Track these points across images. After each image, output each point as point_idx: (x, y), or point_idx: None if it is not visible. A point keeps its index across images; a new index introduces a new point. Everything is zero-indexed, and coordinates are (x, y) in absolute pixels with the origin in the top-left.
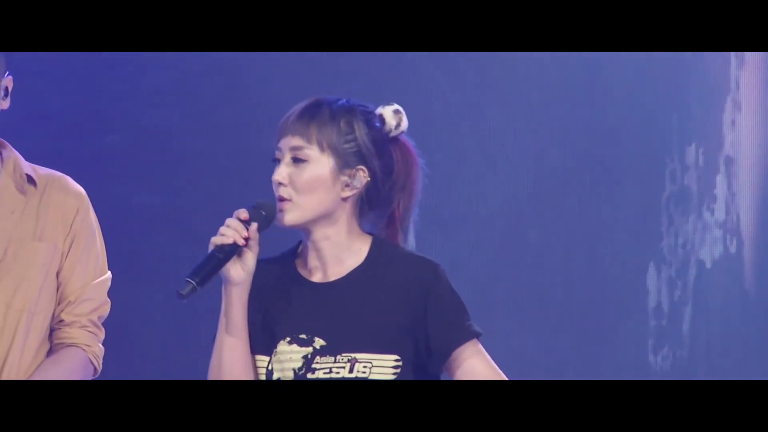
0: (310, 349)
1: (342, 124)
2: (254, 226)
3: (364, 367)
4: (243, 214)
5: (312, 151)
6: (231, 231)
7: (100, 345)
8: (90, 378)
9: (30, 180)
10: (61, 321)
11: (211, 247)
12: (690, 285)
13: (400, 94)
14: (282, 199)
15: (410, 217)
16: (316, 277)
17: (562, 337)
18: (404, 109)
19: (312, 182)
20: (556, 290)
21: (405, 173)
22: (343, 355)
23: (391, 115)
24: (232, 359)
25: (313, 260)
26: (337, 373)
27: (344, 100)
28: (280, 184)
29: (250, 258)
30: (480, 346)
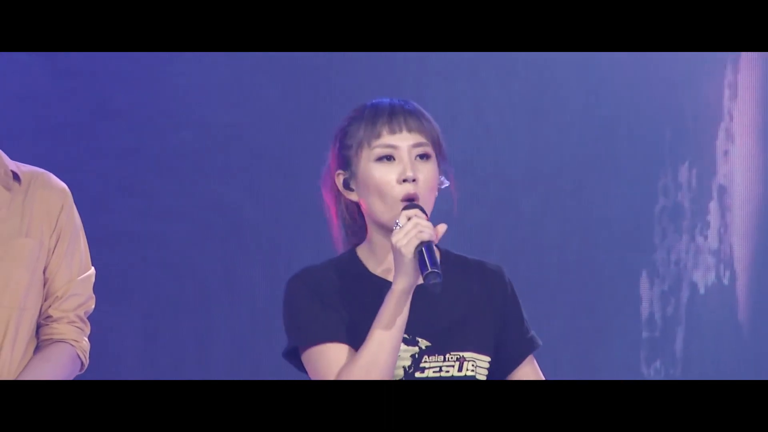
0: (416, 348)
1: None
2: (444, 226)
3: (473, 365)
4: (423, 216)
5: (430, 149)
6: (428, 229)
7: (87, 340)
8: (78, 373)
9: (15, 177)
10: (49, 317)
11: (414, 242)
12: (683, 305)
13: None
14: (416, 198)
15: None
16: None
17: (555, 330)
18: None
19: (434, 180)
20: (549, 271)
21: None
22: (451, 354)
23: None
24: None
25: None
26: (447, 371)
27: None
28: (414, 181)
29: None
30: (533, 357)
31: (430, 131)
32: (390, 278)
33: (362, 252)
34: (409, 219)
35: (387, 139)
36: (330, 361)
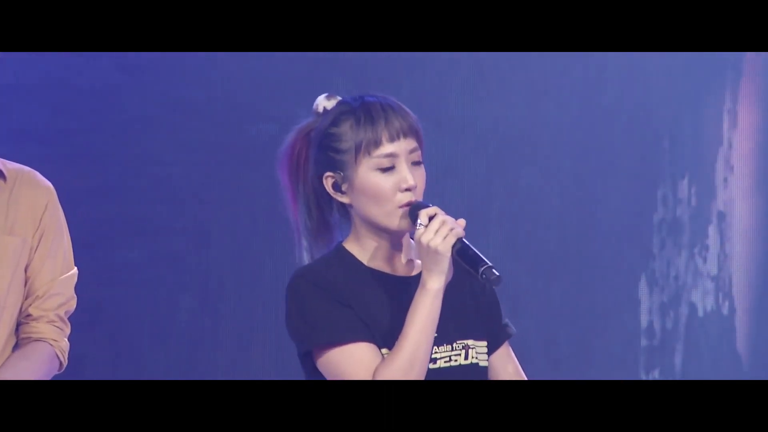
0: None
1: None
2: (463, 221)
3: (475, 352)
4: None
5: (420, 153)
6: (457, 225)
7: (66, 340)
8: (55, 372)
9: (0, 174)
10: (29, 315)
11: (450, 239)
12: (682, 323)
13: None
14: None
15: None
16: (401, 272)
17: (553, 331)
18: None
19: (424, 183)
20: (548, 271)
21: None
22: (457, 342)
23: None
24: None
25: (399, 257)
26: (455, 360)
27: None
28: (415, 188)
29: None
30: (508, 344)
31: (417, 130)
32: (385, 270)
33: (351, 247)
34: (430, 217)
35: (387, 147)
36: (360, 362)
